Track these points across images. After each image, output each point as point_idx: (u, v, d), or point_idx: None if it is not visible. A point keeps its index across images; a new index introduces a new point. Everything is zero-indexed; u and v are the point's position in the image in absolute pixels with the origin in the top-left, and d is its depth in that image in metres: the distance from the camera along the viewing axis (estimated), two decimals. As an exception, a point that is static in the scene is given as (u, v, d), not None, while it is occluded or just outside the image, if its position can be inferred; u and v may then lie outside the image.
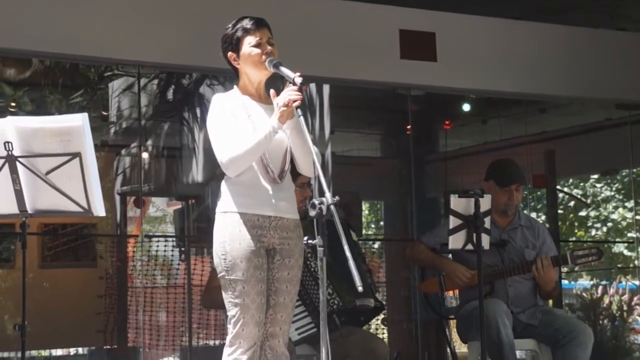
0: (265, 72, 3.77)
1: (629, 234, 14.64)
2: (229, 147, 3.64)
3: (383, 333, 9.06)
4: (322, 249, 3.30)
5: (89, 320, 8.48)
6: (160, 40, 6.40)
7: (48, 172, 3.78)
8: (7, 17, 5.92)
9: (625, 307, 10.54)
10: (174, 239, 9.33)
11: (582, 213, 15.59)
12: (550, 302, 6.72)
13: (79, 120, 3.74)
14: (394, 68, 7.11)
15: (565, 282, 11.27)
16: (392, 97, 7.62)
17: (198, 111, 8.45)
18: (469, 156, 9.97)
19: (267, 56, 3.73)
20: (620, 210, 15.32)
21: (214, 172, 7.81)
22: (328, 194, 3.29)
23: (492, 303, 4.92)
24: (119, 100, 8.26)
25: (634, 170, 10.35)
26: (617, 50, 7.88)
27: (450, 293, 5.54)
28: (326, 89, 8.26)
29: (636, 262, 10.40)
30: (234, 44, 3.79)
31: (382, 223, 12.89)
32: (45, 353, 9.26)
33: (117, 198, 8.80)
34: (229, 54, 3.82)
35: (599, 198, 15.73)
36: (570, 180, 14.79)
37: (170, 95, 8.47)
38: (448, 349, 7.31)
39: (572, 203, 15.43)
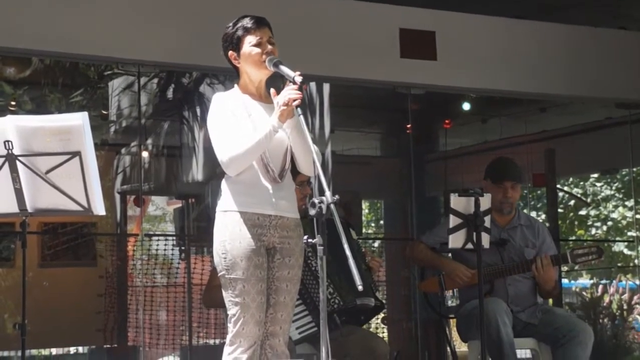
0: (265, 71, 3.77)
1: (629, 233, 14.64)
2: (229, 146, 3.64)
3: (383, 332, 9.07)
4: (322, 247, 3.30)
5: (89, 319, 8.48)
6: (160, 39, 6.40)
7: (48, 171, 3.78)
8: (7, 16, 5.92)
9: (625, 306, 10.54)
10: (174, 237, 9.33)
11: (582, 212, 15.59)
12: (550, 301, 6.73)
13: (79, 119, 3.74)
14: (394, 67, 7.11)
15: (564, 281, 11.27)
16: (392, 96, 7.62)
17: (198, 110, 8.45)
18: (469, 155, 9.97)
19: (267, 55, 3.73)
20: (620, 209, 15.32)
21: (214, 171, 7.81)
22: (328, 193, 3.29)
23: (492, 302, 4.92)
24: (119, 99, 8.26)
25: (634, 169, 10.35)
26: (618, 50, 7.87)
27: (450, 292, 5.54)
28: (326, 87, 8.26)
29: (636, 261, 10.41)
30: (235, 43, 3.79)
31: (382, 222, 12.89)
32: (45, 352, 9.26)
33: (117, 197, 8.81)
34: (230, 53, 3.82)
35: (599, 197, 15.73)
36: (571, 179, 14.79)
37: (170, 94, 8.47)
38: (448, 348, 7.31)
39: (572, 202, 15.43)
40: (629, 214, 14.57)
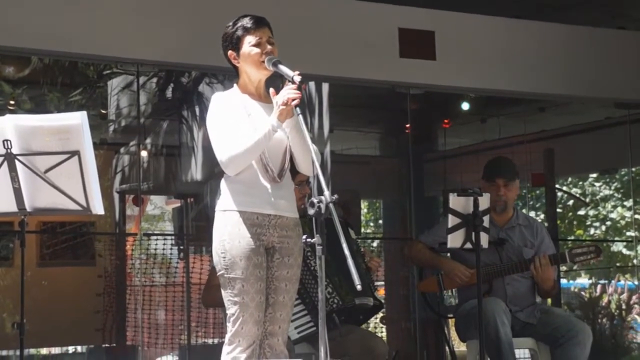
0: (265, 71, 3.77)
1: (628, 233, 14.64)
2: (229, 146, 3.64)
3: (382, 332, 9.07)
4: (320, 247, 3.30)
5: (87, 319, 8.48)
6: (159, 39, 6.40)
7: (47, 171, 3.78)
8: (6, 15, 5.91)
9: (624, 306, 10.55)
10: (173, 237, 9.33)
11: (581, 212, 15.60)
12: (549, 301, 6.73)
13: (78, 119, 3.74)
14: (393, 67, 7.11)
15: (563, 281, 11.28)
16: (391, 96, 7.62)
17: (197, 109, 8.45)
18: (468, 155, 9.97)
19: (266, 55, 3.73)
20: (619, 209, 15.32)
21: (213, 171, 7.81)
22: (327, 193, 3.29)
23: (490, 302, 4.92)
24: (118, 99, 8.25)
25: (633, 169, 10.35)
26: (617, 49, 7.87)
27: (449, 292, 5.54)
28: (325, 87, 8.26)
29: (635, 261, 10.41)
30: (234, 43, 3.79)
31: (380, 222, 12.89)
32: (44, 351, 9.26)
33: (116, 196, 8.80)
34: (229, 52, 3.82)
35: (597, 197, 15.73)
36: (569, 179, 14.79)
37: (169, 93, 8.47)
38: (447, 348, 7.32)
39: (571, 202, 15.43)
40: (628, 214, 14.57)
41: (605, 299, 10.81)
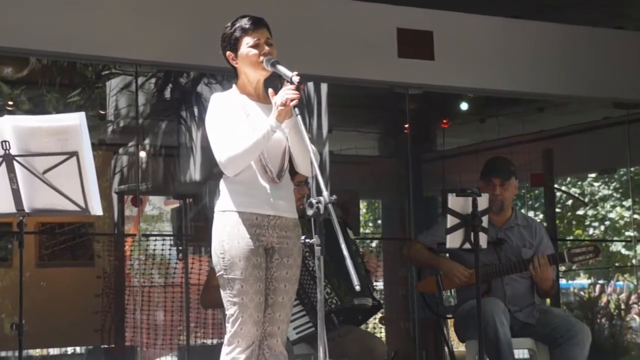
0: (263, 72, 3.76)
1: (627, 233, 14.64)
2: (228, 147, 3.64)
3: (381, 332, 9.07)
4: (319, 248, 3.30)
5: (86, 320, 8.48)
6: (158, 39, 6.39)
7: (45, 171, 3.78)
8: (4, 15, 5.91)
9: (622, 306, 10.55)
10: (172, 237, 9.33)
11: (580, 212, 15.60)
12: (548, 301, 6.73)
13: (76, 120, 3.74)
14: (392, 67, 7.11)
15: (562, 281, 11.28)
16: (390, 96, 7.62)
17: (195, 110, 8.45)
18: (467, 155, 9.97)
19: (264, 57, 3.73)
20: (618, 209, 15.32)
21: (212, 171, 7.82)
22: (325, 193, 3.29)
23: (489, 302, 4.92)
24: (117, 99, 8.25)
25: (632, 169, 10.35)
26: (616, 49, 7.88)
27: (448, 292, 5.54)
28: (324, 87, 8.26)
29: (634, 260, 10.41)
30: (233, 44, 3.79)
31: (379, 222, 12.90)
32: (42, 352, 9.25)
33: (115, 197, 8.80)
34: (228, 53, 3.82)
35: (596, 197, 15.73)
36: (568, 179, 14.79)
37: (167, 94, 8.46)
38: (446, 348, 7.32)
39: (569, 202, 15.43)
40: (627, 213, 14.56)
41: (604, 299, 10.81)
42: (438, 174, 10.14)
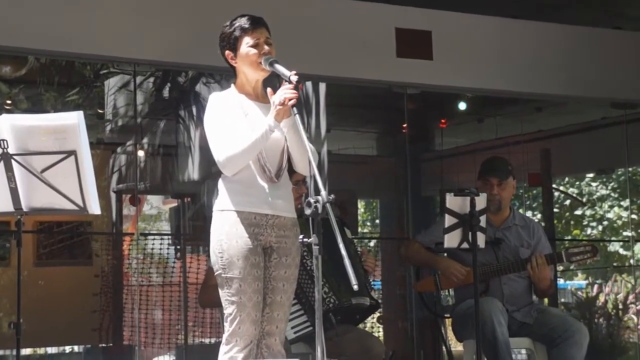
0: (262, 72, 3.76)
1: (625, 233, 14.65)
2: (226, 146, 3.64)
3: (378, 331, 9.07)
4: (317, 247, 3.30)
5: (84, 319, 8.47)
6: (156, 38, 6.39)
7: (43, 170, 3.78)
8: (3, 14, 5.91)
9: (620, 306, 10.56)
10: (170, 237, 9.33)
11: (578, 212, 15.60)
12: (546, 300, 6.73)
13: (75, 118, 3.74)
14: (390, 66, 7.11)
15: (560, 281, 11.29)
16: (388, 96, 7.62)
17: (194, 109, 8.45)
18: (465, 155, 9.97)
19: (263, 56, 3.73)
20: (616, 209, 15.33)
21: (210, 170, 7.81)
22: (323, 193, 3.29)
23: (487, 301, 4.92)
24: (115, 98, 8.25)
25: (630, 169, 10.36)
26: (614, 49, 7.88)
27: (446, 292, 5.54)
28: (322, 87, 8.26)
29: (632, 260, 10.42)
30: (232, 43, 3.79)
31: (377, 221, 12.89)
32: (40, 351, 9.25)
33: (113, 196, 8.80)
34: (227, 53, 3.82)
35: (594, 197, 15.74)
36: (566, 179, 14.80)
37: (166, 93, 8.46)
38: (443, 348, 7.32)
39: (567, 202, 15.44)
40: (625, 213, 14.58)
41: (602, 299, 10.82)
42: (436, 173, 10.14)
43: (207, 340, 9.03)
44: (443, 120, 9.78)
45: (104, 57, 6.59)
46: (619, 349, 10.03)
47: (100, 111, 8.40)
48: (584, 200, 15.67)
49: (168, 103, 8.56)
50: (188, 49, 6.38)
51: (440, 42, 7.23)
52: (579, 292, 12.01)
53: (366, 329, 7.74)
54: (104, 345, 8.84)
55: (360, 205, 12.99)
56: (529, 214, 12.09)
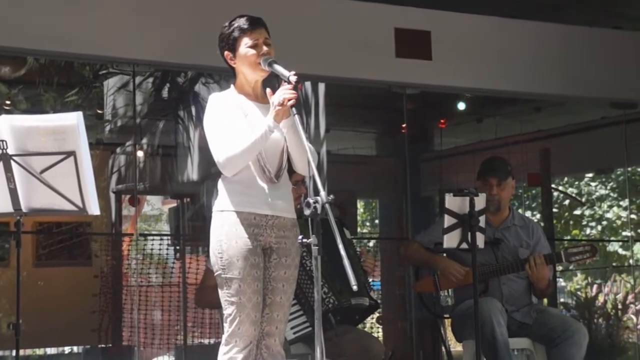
0: (261, 72, 3.77)
1: (624, 233, 14.65)
2: (226, 147, 3.64)
3: (378, 332, 9.07)
4: (316, 247, 3.30)
5: (83, 319, 8.47)
6: (156, 39, 6.39)
7: (43, 171, 3.78)
8: (2, 15, 5.90)
9: (619, 306, 10.56)
10: (169, 237, 9.33)
11: (577, 212, 15.60)
12: (545, 301, 6.73)
13: (74, 119, 3.74)
14: (390, 66, 7.11)
15: (561, 282, 11.29)
16: (387, 96, 7.62)
17: (193, 109, 8.44)
18: (464, 155, 9.97)
19: (262, 57, 3.73)
20: (615, 209, 15.33)
21: (209, 171, 7.80)
22: (323, 193, 3.29)
23: (486, 302, 4.92)
24: (114, 99, 8.25)
25: (629, 169, 10.36)
26: (613, 49, 7.88)
27: (445, 292, 5.54)
28: (321, 87, 8.26)
29: (631, 260, 10.42)
30: (231, 44, 3.79)
31: (377, 221, 12.89)
32: (39, 352, 9.25)
33: (112, 196, 8.79)
34: (226, 53, 3.82)
35: (593, 197, 15.73)
36: (565, 179, 14.79)
37: (165, 93, 8.46)
38: (443, 348, 7.32)
39: (567, 202, 15.43)
40: (624, 213, 14.57)
41: (601, 299, 10.82)
42: (435, 173, 10.14)
43: (206, 341, 9.02)
44: (442, 121, 9.78)
45: (103, 57, 6.59)
46: (618, 349, 10.03)
47: (99, 112, 8.40)
48: (583, 200, 15.67)
49: (167, 103, 8.55)
50: (187, 49, 6.38)
51: (440, 42, 7.23)
52: (578, 293, 12.01)
53: (365, 329, 7.74)
54: (103, 345, 8.83)
55: (360, 205, 12.98)
56: (528, 214, 12.09)
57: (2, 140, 3.72)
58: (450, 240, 4.72)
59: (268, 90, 3.70)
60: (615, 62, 7.84)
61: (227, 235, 3.68)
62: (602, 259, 13.59)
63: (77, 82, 8.10)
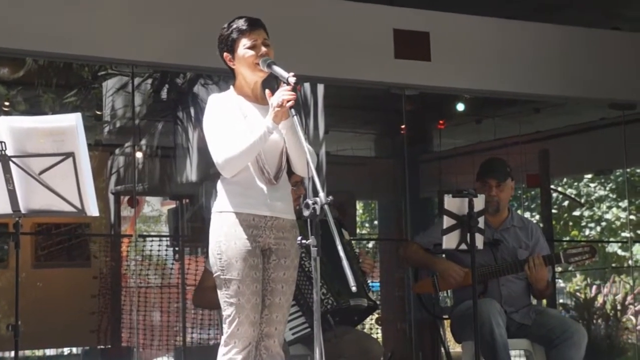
0: (260, 73, 3.76)
1: (623, 234, 14.65)
2: (225, 148, 3.64)
3: (377, 333, 9.07)
4: (315, 249, 3.30)
5: (82, 320, 8.47)
6: (154, 40, 6.39)
7: (41, 172, 3.78)
8: (1, 16, 5.90)
9: (619, 307, 10.56)
10: (168, 238, 9.32)
11: (576, 213, 15.61)
12: (544, 302, 6.74)
13: (73, 120, 3.74)
14: (388, 68, 7.11)
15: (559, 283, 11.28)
16: (386, 97, 7.62)
17: (192, 110, 8.44)
18: (463, 156, 9.97)
19: (261, 57, 3.73)
20: (614, 210, 15.34)
21: (208, 172, 7.81)
22: (322, 194, 3.29)
23: (486, 303, 4.92)
24: (113, 100, 8.25)
25: (628, 170, 10.36)
26: (612, 50, 7.88)
27: (444, 293, 5.54)
28: (320, 88, 8.27)
29: (630, 261, 10.42)
30: (230, 45, 3.79)
31: (376, 223, 12.90)
32: (38, 353, 9.25)
33: (111, 197, 8.80)
34: (225, 55, 3.82)
35: (592, 198, 15.74)
36: (564, 180, 14.80)
37: (164, 94, 8.46)
38: (442, 349, 7.32)
39: (566, 203, 15.44)
40: (623, 214, 14.58)
41: (600, 300, 10.82)
42: (434, 174, 10.15)
43: (205, 342, 9.02)
44: (441, 122, 9.78)
45: (102, 58, 6.59)
46: (617, 349, 10.02)
47: (98, 113, 8.40)
48: (583, 201, 15.68)
49: (166, 104, 8.55)
50: (186, 50, 6.39)
51: (438, 43, 7.23)
52: (577, 293, 12.01)
53: (365, 330, 7.74)
54: (102, 347, 8.83)
55: (359, 206, 12.99)
56: (527, 215, 12.10)
57: (1, 142, 3.72)
58: (450, 241, 4.72)
59: (267, 91, 3.70)
60: (615, 63, 7.84)
61: (226, 236, 3.68)
62: (601, 260, 13.60)
63: (76, 83, 8.10)
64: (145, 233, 9.54)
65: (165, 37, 6.39)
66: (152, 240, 9.11)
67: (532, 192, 12.18)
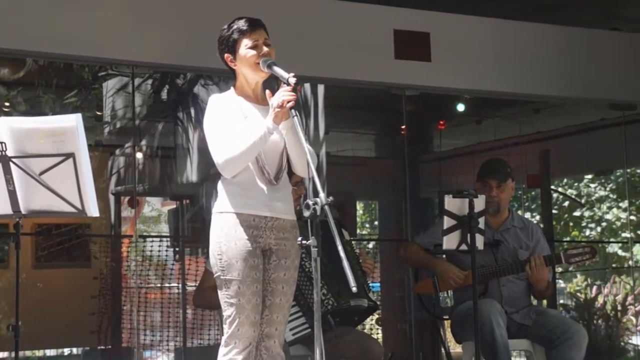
0: (261, 73, 3.76)
1: (623, 234, 14.65)
2: (225, 149, 3.64)
3: (377, 333, 9.07)
4: (316, 249, 3.30)
5: (83, 321, 8.47)
6: (155, 40, 6.39)
7: (42, 173, 3.78)
8: (0, 16, 5.90)
9: (619, 307, 10.56)
10: (168, 239, 9.32)
11: (577, 213, 15.61)
12: (545, 302, 6.74)
13: (73, 121, 3.74)
14: (389, 68, 7.11)
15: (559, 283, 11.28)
16: (386, 97, 7.63)
17: (192, 111, 8.44)
18: (463, 156, 9.98)
19: (262, 57, 3.73)
20: (615, 210, 15.34)
21: (208, 172, 7.81)
22: (322, 195, 3.29)
23: (486, 303, 4.92)
24: (113, 100, 8.25)
25: (628, 170, 10.37)
26: (611, 51, 7.88)
27: (445, 293, 5.54)
28: (321, 89, 8.26)
29: (630, 262, 10.42)
30: (230, 46, 3.79)
31: (376, 223, 12.90)
32: (39, 353, 9.25)
33: (111, 198, 8.79)
34: (226, 55, 3.82)
35: (593, 198, 15.74)
36: (565, 180, 14.80)
37: (164, 95, 8.46)
38: (442, 349, 7.33)
39: (566, 203, 15.44)
40: (623, 215, 14.58)
41: (600, 300, 10.82)
42: (435, 175, 10.15)
43: (205, 343, 9.02)
44: (441, 122, 9.78)
45: (102, 59, 6.60)
46: (617, 350, 10.03)
47: (98, 113, 8.40)
48: (583, 201, 15.68)
49: (166, 105, 8.55)
50: (186, 50, 6.39)
51: (439, 43, 7.23)
52: (578, 294, 12.01)
53: (365, 330, 7.74)
54: (102, 347, 8.83)
55: (359, 206, 12.99)
56: (527, 215, 12.10)
57: (1, 142, 3.72)
58: (450, 242, 4.72)
59: (267, 91, 3.70)
60: (614, 64, 7.84)
61: (226, 236, 3.68)
62: (602, 260, 13.60)
63: (76, 84, 8.10)
64: (145, 233, 9.54)
65: (165, 37, 6.39)
66: (153, 241, 9.11)
67: (533, 193, 12.19)
